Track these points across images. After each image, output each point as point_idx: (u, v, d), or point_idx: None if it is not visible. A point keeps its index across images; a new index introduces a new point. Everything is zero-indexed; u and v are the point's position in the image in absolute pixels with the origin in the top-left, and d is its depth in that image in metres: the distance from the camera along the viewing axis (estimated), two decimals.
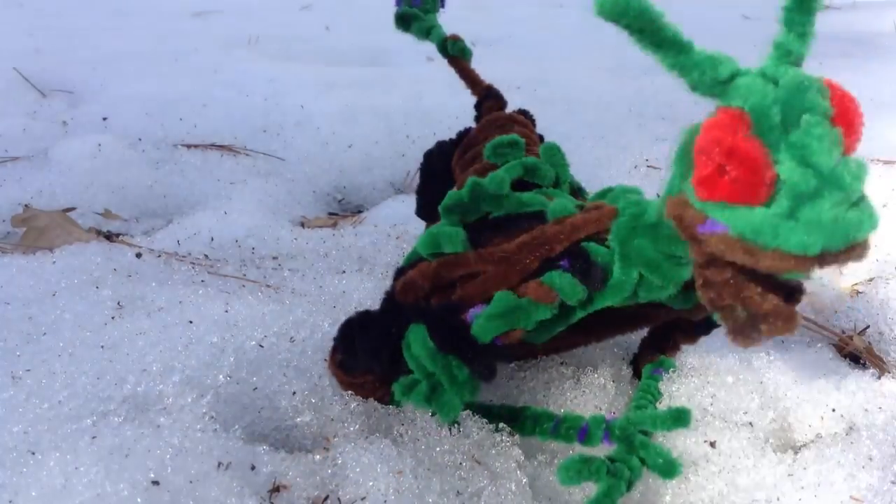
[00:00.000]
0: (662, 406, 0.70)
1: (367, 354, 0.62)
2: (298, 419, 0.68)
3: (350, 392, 0.69)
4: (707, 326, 0.71)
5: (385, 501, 0.58)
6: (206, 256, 0.99)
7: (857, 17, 2.89)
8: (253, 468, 0.61)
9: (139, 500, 0.56)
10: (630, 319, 0.68)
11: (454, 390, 0.57)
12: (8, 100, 1.65)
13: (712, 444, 0.66)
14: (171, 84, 1.75)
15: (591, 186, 0.79)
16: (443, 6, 0.96)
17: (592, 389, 0.73)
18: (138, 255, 0.95)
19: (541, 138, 0.84)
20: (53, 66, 1.90)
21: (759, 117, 0.38)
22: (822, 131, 0.36)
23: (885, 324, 0.89)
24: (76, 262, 0.90)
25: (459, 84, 0.96)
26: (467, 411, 0.67)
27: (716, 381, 0.73)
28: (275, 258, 1.00)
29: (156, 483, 0.57)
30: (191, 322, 0.77)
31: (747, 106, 0.38)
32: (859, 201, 0.38)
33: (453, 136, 0.88)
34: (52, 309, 0.79)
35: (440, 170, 0.85)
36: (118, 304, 0.81)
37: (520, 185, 0.68)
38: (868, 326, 0.89)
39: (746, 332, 0.42)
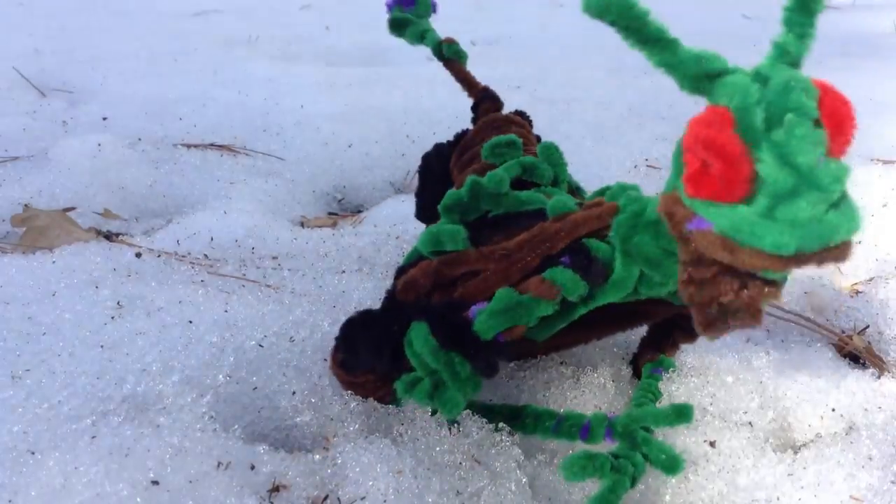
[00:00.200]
0: (663, 405, 0.70)
1: (368, 353, 0.62)
2: (298, 419, 0.68)
3: (351, 392, 0.69)
4: None
5: (385, 501, 0.58)
6: (206, 256, 0.99)
7: (857, 17, 2.89)
8: (252, 468, 0.61)
9: (139, 499, 0.56)
10: (629, 316, 0.69)
11: (457, 387, 0.57)
12: (8, 99, 1.65)
13: (712, 444, 0.66)
14: (170, 84, 1.75)
15: (591, 186, 0.79)
16: (434, 11, 0.96)
17: (592, 389, 0.73)
18: (138, 255, 0.95)
19: (538, 139, 0.84)
20: (53, 65, 1.90)
21: (741, 115, 0.38)
22: (804, 131, 0.36)
23: (885, 323, 0.89)
24: (76, 262, 0.90)
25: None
26: (467, 411, 0.67)
27: (715, 380, 0.73)
28: (274, 258, 1.00)
29: (155, 483, 0.57)
30: (190, 322, 0.77)
31: (731, 104, 0.38)
32: (840, 203, 0.38)
33: (453, 135, 0.88)
34: (51, 309, 0.79)
35: (438, 172, 0.85)
36: (118, 303, 0.81)
37: (518, 184, 0.68)
38: (868, 326, 0.89)
39: (716, 324, 0.43)
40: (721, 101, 0.39)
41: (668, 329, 0.73)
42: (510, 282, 0.55)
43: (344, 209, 1.31)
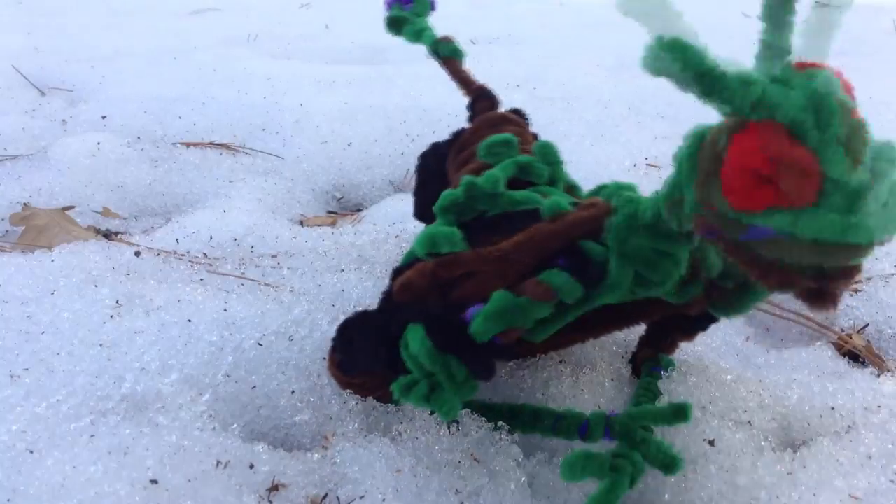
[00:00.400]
0: (661, 404, 0.70)
1: (365, 355, 0.62)
2: (297, 418, 0.68)
3: (349, 391, 0.69)
4: (704, 323, 0.71)
5: (384, 500, 0.58)
6: (205, 255, 0.99)
7: (857, 16, 2.89)
8: (252, 467, 0.61)
9: (138, 498, 0.56)
10: (626, 316, 0.69)
11: (453, 390, 0.57)
12: (7, 98, 1.65)
13: (711, 443, 0.66)
14: (170, 82, 1.75)
15: (591, 185, 0.79)
16: (433, 9, 0.96)
17: (591, 388, 0.73)
18: (137, 254, 0.95)
19: (534, 137, 0.84)
20: (52, 64, 1.89)
21: (796, 125, 0.38)
22: (856, 124, 0.38)
23: (885, 322, 0.89)
24: (75, 261, 0.90)
25: None
26: (466, 410, 0.67)
27: (715, 379, 0.73)
28: (274, 257, 1.00)
29: (154, 482, 0.57)
30: (189, 321, 0.77)
31: (779, 117, 0.38)
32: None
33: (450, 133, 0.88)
34: (50, 307, 0.79)
35: (435, 171, 0.85)
36: (117, 302, 0.81)
37: (515, 183, 0.68)
38: (867, 325, 0.89)
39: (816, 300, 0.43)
40: (762, 116, 0.39)
41: (666, 328, 0.73)
42: (506, 283, 0.55)
43: (343, 208, 1.31)
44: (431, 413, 0.67)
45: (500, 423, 0.66)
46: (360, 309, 0.65)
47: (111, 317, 0.78)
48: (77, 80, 1.78)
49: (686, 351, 0.80)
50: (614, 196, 0.55)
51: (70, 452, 0.59)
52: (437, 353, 0.55)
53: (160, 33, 2.41)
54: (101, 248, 0.94)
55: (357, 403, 0.69)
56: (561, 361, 0.76)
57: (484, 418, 0.67)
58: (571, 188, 0.76)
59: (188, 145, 1.39)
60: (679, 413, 0.62)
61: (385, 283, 0.69)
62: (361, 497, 0.59)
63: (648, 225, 0.50)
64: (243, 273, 0.93)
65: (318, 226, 1.14)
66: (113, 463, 0.58)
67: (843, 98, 0.38)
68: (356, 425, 0.67)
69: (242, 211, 1.13)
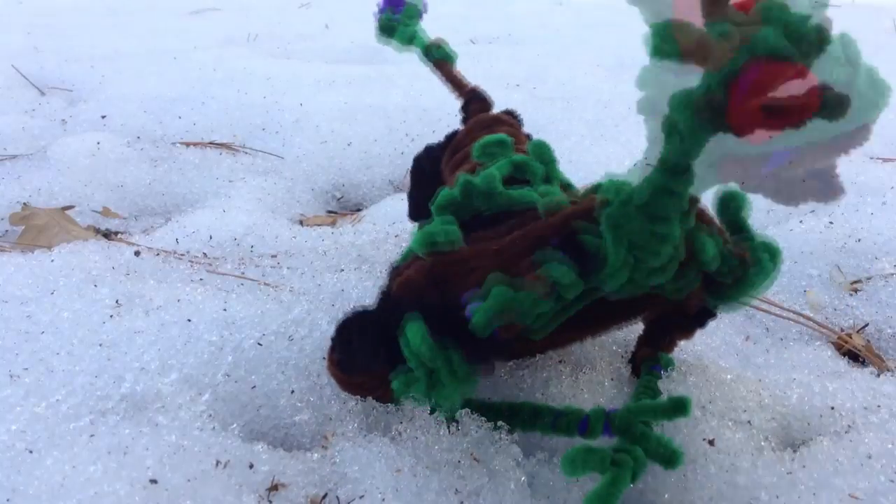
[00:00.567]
0: (660, 399, 0.70)
1: (364, 353, 0.62)
2: (297, 417, 0.68)
3: (348, 393, 0.69)
4: (703, 320, 0.71)
5: (383, 500, 0.58)
6: (205, 254, 0.99)
7: (857, 16, 2.89)
8: (251, 467, 0.61)
9: (137, 498, 0.56)
10: (624, 312, 0.69)
11: (454, 384, 0.57)
12: (6, 98, 1.65)
13: (711, 443, 0.66)
14: (169, 82, 1.75)
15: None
16: (425, 12, 0.97)
17: (591, 387, 0.73)
18: (137, 254, 0.95)
19: (528, 137, 0.84)
20: (52, 64, 1.90)
21: (779, 51, 0.42)
22: (820, 27, 0.42)
23: (885, 321, 0.89)
24: (74, 261, 0.90)
25: None
26: (466, 409, 0.67)
27: (714, 379, 0.73)
28: (273, 256, 1.00)
29: (154, 482, 0.57)
30: (189, 320, 0.77)
31: (761, 50, 0.42)
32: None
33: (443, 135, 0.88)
34: (50, 307, 0.79)
35: (430, 173, 0.86)
36: (116, 302, 0.81)
37: (511, 182, 0.68)
38: (867, 324, 0.89)
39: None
40: (759, 52, 0.42)
41: (664, 326, 0.73)
42: (505, 279, 0.55)
43: (343, 207, 1.31)
44: (431, 412, 0.67)
45: (499, 423, 0.66)
46: (358, 308, 0.65)
47: (111, 316, 0.78)
48: (77, 80, 1.78)
49: (686, 350, 0.80)
50: (607, 186, 0.56)
51: (69, 452, 0.59)
52: (438, 348, 0.56)
53: (160, 33, 2.41)
54: (101, 248, 0.94)
55: (357, 403, 0.69)
56: (560, 361, 0.76)
57: (484, 418, 0.67)
58: (566, 187, 0.76)
59: (188, 145, 1.39)
60: (678, 407, 0.62)
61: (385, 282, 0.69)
62: (361, 497, 0.59)
63: (642, 206, 0.51)
64: (243, 273, 0.93)
65: (318, 225, 1.14)
66: (112, 463, 0.58)
67: (799, 11, 0.42)
68: (356, 425, 0.67)
69: (242, 210, 1.13)
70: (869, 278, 0.96)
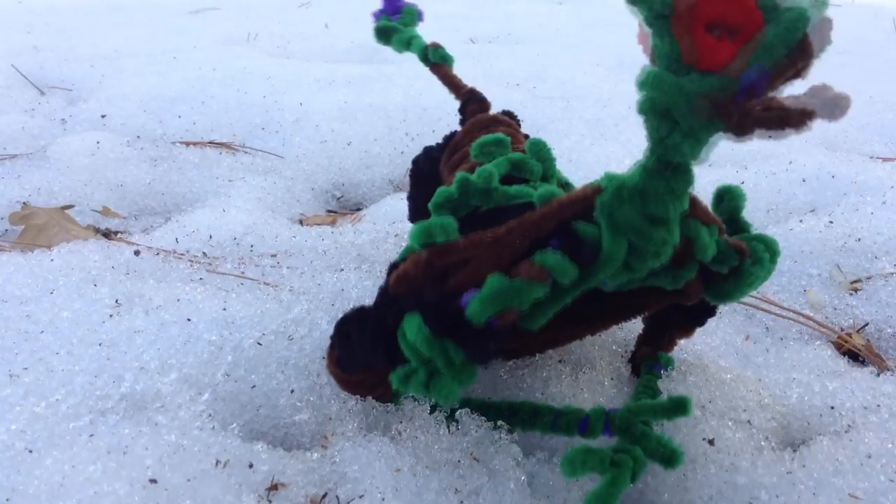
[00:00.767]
0: (660, 399, 0.70)
1: (363, 350, 0.62)
2: (297, 417, 0.68)
3: (348, 392, 0.69)
4: (702, 317, 0.71)
5: (383, 499, 0.58)
6: (205, 254, 0.99)
7: (857, 15, 2.89)
8: (251, 466, 0.61)
9: (137, 498, 0.56)
10: (623, 309, 0.69)
11: (451, 375, 0.57)
12: (6, 97, 1.64)
13: (711, 443, 0.66)
14: (169, 81, 1.75)
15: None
16: (420, 19, 0.97)
17: (591, 387, 0.73)
18: (136, 253, 0.95)
19: (526, 137, 0.84)
20: (52, 63, 1.89)
21: None
22: None
23: (885, 321, 0.89)
24: (74, 260, 0.90)
25: None
26: (466, 409, 0.67)
27: (714, 379, 0.73)
28: (273, 256, 1.00)
29: (153, 481, 0.57)
30: (189, 320, 0.77)
31: None
32: None
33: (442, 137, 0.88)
34: (49, 307, 0.79)
35: (429, 174, 0.86)
36: (116, 301, 0.81)
37: (508, 181, 0.68)
38: (867, 324, 0.89)
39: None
40: None
41: (664, 325, 0.73)
42: (501, 267, 0.55)
43: (343, 207, 1.31)
44: (431, 412, 0.67)
45: (499, 423, 0.66)
46: (357, 306, 0.65)
47: (110, 316, 0.78)
48: (76, 80, 1.78)
49: (685, 350, 0.80)
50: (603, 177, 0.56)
51: (69, 452, 0.59)
52: (435, 339, 0.56)
53: (160, 32, 2.41)
54: (101, 248, 0.94)
55: (356, 403, 0.69)
56: (560, 361, 0.76)
57: (483, 417, 0.67)
58: (564, 185, 0.77)
59: (188, 144, 1.39)
60: (679, 407, 0.62)
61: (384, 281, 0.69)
62: (361, 496, 0.59)
63: (637, 192, 0.51)
64: (243, 272, 0.93)
65: (318, 225, 1.14)
66: (112, 462, 0.58)
67: None
68: (355, 424, 0.67)
69: (242, 210, 1.13)
70: (869, 278, 0.96)
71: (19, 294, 0.82)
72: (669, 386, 0.72)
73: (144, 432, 0.62)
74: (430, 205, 0.64)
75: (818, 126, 0.44)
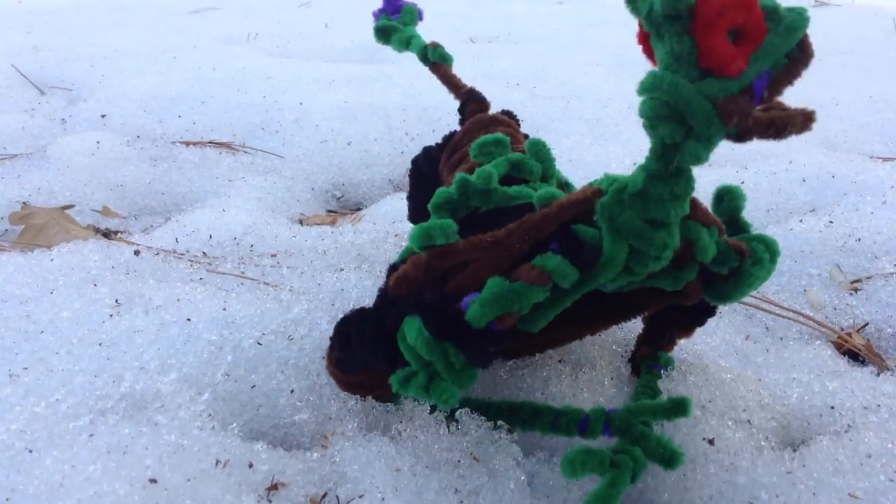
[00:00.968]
0: (660, 399, 0.70)
1: (363, 352, 0.62)
2: (296, 417, 0.68)
3: (348, 392, 0.69)
4: (701, 317, 0.71)
5: (383, 499, 0.58)
6: (205, 254, 0.99)
7: (857, 14, 2.89)
8: (251, 466, 0.61)
9: (137, 498, 0.56)
10: (623, 309, 0.69)
11: (451, 378, 0.57)
12: (6, 97, 1.64)
13: (711, 442, 0.66)
14: (169, 81, 1.75)
15: None
16: (420, 19, 0.97)
17: (591, 387, 0.73)
18: (136, 253, 0.95)
19: (526, 137, 0.84)
20: (52, 63, 1.89)
21: None
22: None
23: (885, 321, 0.89)
24: (74, 260, 0.90)
25: None
26: (466, 409, 0.67)
27: (714, 378, 0.73)
28: (273, 256, 1.00)
29: (153, 481, 0.57)
30: (189, 320, 0.77)
31: None
32: None
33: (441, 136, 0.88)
34: (49, 306, 0.79)
35: (428, 174, 0.86)
36: (116, 301, 0.81)
37: (508, 181, 0.68)
38: (867, 323, 0.89)
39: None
40: None
41: (663, 324, 0.73)
42: (500, 270, 0.55)
43: (343, 207, 1.31)
44: (432, 410, 0.67)
45: (499, 422, 0.66)
46: (356, 307, 0.65)
47: (110, 316, 0.78)
48: (76, 79, 1.78)
49: (685, 350, 0.80)
50: (603, 179, 0.56)
51: (69, 451, 0.59)
52: (435, 342, 0.56)
53: (160, 32, 2.41)
54: (101, 247, 0.94)
55: (356, 403, 0.69)
56: (560, 361, 0.76)
57: (483, 417, 0.67)
58: (564, 185, 0.76)
59: (188, 144, 1.39)
60: (678, 407, 0.62)
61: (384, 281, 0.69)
62: (361, 496, 0.59)
63: (638, 195, 0.51)
64: (243, 272, 0.93)
65: (318, 225, 1.14)
66: (112, 462, 0.58)
67: None
68: (355, 424, 0.67)
69: (242, 210, 1.13)
70: (869, 277, 0.96)
71: (19, 294, 0.82)
72: (669, 386, 0.72)
73: (144, 432, 0.62)
74: (429, 206, 0.64)
75: (818, 126, 0.44)
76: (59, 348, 0.72)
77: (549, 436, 0.67)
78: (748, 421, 0.69)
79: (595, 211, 0.54)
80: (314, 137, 1.44)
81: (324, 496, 0.60)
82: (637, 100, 0.49)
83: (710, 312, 0.71)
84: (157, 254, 0.96)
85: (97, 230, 1.08)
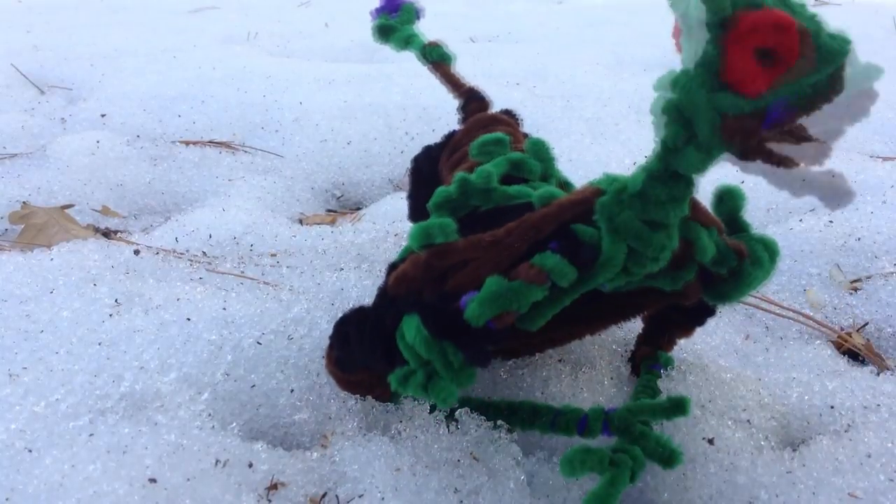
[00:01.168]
0: (659, 398, 0.70)
1: (362, 350, 0.62)
2: (296, 416, 0.68)
3: (347, 392, 0.69)
4: (701, 317, 0.71)
5: (383, 499, 0.58)
6: (205, 253, 0.99)
7: (857, 14, 2.89)
8: (250, 466, 0.61)
9: (136, 497, 0.56)
10: (622, 309, 0.69)
11: (450, 377, 0.57)
12: (6, 96, 1.64)
13: (711, 442, 0.66)
14: (169, 80, 1.74)
15: None
16: (419, 18, 0.97)
17: (590, 386, 0.73)
18: (136, 252, 0.95)
19: (526, 136, 0.84)
20: (51, 62, 1.89)
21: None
22: None
23: (885, 320, 0.89)
24: (74, 259, 0.90)
25: None
26: (465, 409, 0.67)
27: (714, 378, 0.73)
28: (273, 255, 1.00)
29: (153, 481, 0.57)
30: (189, 319, 0.77)
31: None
32: None
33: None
34: (49, 306, 0.79)
35: (429, 174, 0.85)
36: (116, 301, 0.81)
37: (508, 181, 0.68)
38: (867, 323, 0.89)
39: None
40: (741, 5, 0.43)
41: (663, 324, 0.73)
42: (500, 269, 0.55)
43: (343, 206, 1.31)
44: (432, 410, 0.67)
45: (499, 422, 0.66)
46: (356, 306, 0.65)
47: (110, 315, 0.78)
48: (76, 79, 1.78)
49: (685, 349, 0.80)
50: (603, 179, 0.56)
51: (69, 451, 0.59)
52: (433, 341, 0.56)
53: (159, 31, 2.40)
54: (100, 247, 0.94)
55: (356, 402, 0.69)
56: (560, 360, 0.76)
57: (483, 417, 0.67)
58: (564, 185, 0.76)
59: (187, 144, 1.39)
60: (678, 407, 0.62)
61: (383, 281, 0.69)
62: (360, 496, 0.59)
63: (637, 196, 0.51)
64: (242, 272, 0.93)
65: (318, 224, 1.14)
66: (112, 462, 0.58)
67: None
68: (355, 424, 0.67)
69: (242, 209, 1.13)
70: (869, 277, 0.96)
71: (19, 293, 0.82)
72: (669, 385, 0.72)
73: (144, 432, 0.62)
74: (429, 205, 0.64)
75: None
76: (59, 348, 0.72)
77: (548, 435, 0.67)
78: (748, 420, 0.69)
79: (594, 211, 0.54)
80: (314, 137, 1.44)
81: (323, 496, 0.60)
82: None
83: (710, 312, 0.71)
84: (157, 253, 0.96)
85: (97, 230, 1.08)
